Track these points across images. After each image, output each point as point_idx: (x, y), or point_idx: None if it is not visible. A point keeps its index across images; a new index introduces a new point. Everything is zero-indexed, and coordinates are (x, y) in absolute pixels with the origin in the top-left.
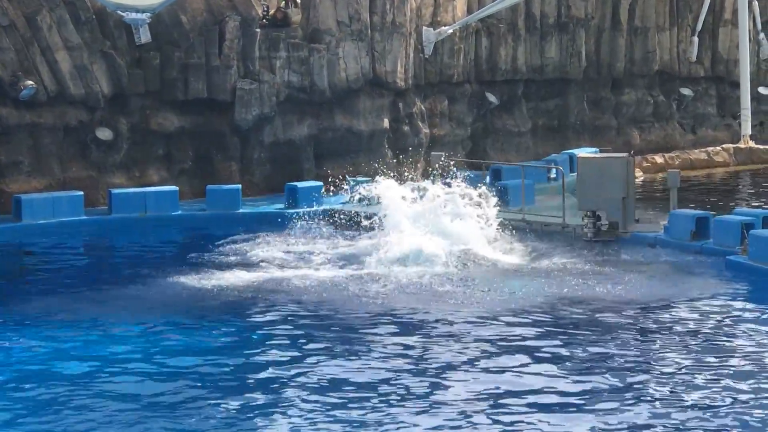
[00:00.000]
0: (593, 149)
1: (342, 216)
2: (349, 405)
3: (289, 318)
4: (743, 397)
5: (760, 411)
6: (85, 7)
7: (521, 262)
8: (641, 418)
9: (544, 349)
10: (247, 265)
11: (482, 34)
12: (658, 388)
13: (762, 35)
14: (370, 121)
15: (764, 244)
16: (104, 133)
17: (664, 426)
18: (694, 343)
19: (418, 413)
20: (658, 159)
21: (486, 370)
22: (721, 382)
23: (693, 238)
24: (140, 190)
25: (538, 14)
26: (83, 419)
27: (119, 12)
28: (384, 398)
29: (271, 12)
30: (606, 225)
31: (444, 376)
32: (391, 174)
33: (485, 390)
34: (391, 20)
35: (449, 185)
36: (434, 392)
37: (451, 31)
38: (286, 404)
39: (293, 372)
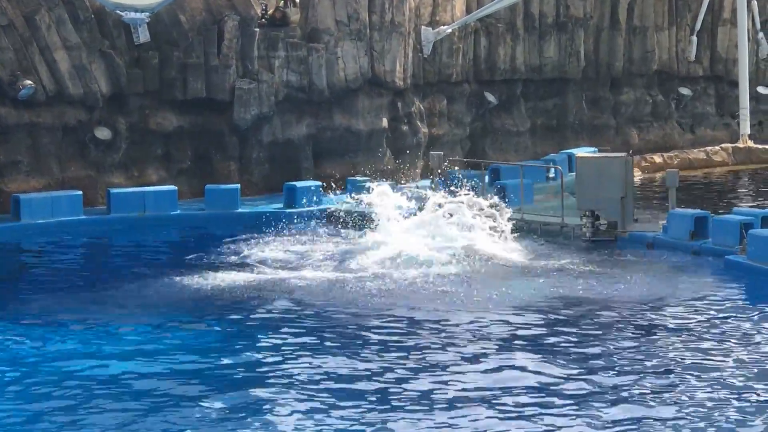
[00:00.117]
0: (592, 149)
1: (341, 215)
2: (349, 404)
3: (288, 318)
4: (743, 396)
5: (759, 410)
6: (83, 7)
7: (522, 261)
8: (640, 415)
9: (543, 348)
10: (246, 264)
11: (481, 33)
12: (656, 387)
13: (761, 34)
14: (368, 121)
15: (763, 243)
16: (103, 133)
17: (664, 425)
18: (692, 342)
19: (417, 412)
20: (657, 158)
21: (485, 368)
22: (720, 381)
23: (692, 238)
24: (139, 190)
25: (536, 14)
26: (84, 417)
27: (118, 11)
28: (384, 397)
29: (270, 11)
30: (605, 225)
31: (443, 374)
32: (387, 179)
33: (484, 389)
34: (389, 20)
35: (453, 194)
36: (433, 391)
37: (449, 30)
38: (286, 403)
39: (293, 371)
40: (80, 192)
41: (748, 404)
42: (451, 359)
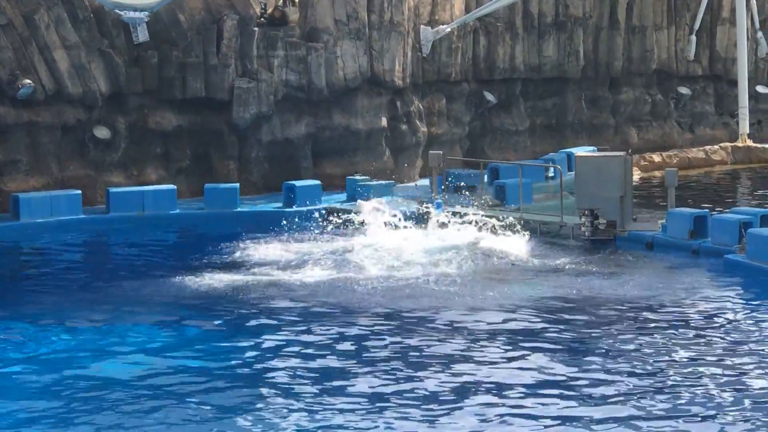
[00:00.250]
0: (591, 148)
1: (340, 215)
2: (348, 402)
3: (287, 317)
4: (742, 394)
5: (759, 408)
6: (83, 6)
7: (521, 260)
8: (639, 414)
9: (542, 347)
10: (245, 264)
11: (480, 32)
12: (655, 385)
13: (760, 33)
14: (368, 120)
15: (762, 242)
16: (102, 132)
17: (663, 422)
18: (690, 341)
19: (417, 410)
20: (656, 158)
21: (485, 367)
22: (719, 380)
23: (691, 237)
24: (138, 189)
25: (535, 13)
26: (80, 415)
27: (117, 11)
28: (384, 396)
29: (269, 11)
30: (604, 224)
31: (442, 373)
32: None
33: (483, 387)
34: (389, 19)
35: (460, 214)
36: (432, 390)
37: (449, 29)
38: (286, 401)
39: (292, 370)
40: (79, 191)
41: (748, 402)
42: (451, 358)
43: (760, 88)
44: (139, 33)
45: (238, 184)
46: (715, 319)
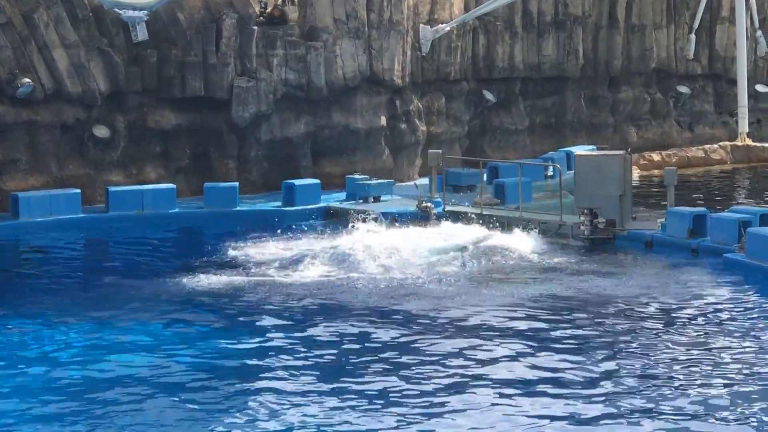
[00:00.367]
0: (590, 147)
1: (339, 214)
2: (347, 402)
3: (286, 315)
4: (742, 392)
5: (759, 407)
6: (82, 5)
7: (520, 259)
8: (636, 410)
9: (541, 346)
10: (245, 263)
11: (479, 31)
12: (653, 383)
13: (759, 32)
14: (367, 119)
15: (761, 241)
16: (101, 131)
17: (661, 420)
18: (690, 340)
19: (417, 408)
20: (655, 157)
21: (484, 365)
22: (719, 378)
23: (690, 236)
24: (137, 188)
25: (535, 12)
26: (78, 414)
27: (116, 10)
28: (382, 394)
29: (269, 10)
30: (603, 223)
31: (442, 372)
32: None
33: (482, 385)
34: (388, 18)
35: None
36: (433, 389)
37: (448, 28)
38: (286, 400)
39: (291, 369)
40: (78, 190)
41: (747, 400)
42: (450, 356)
43: (759, 87)
44: (138, 32)
45: (237, 183)
46: (714, 317)
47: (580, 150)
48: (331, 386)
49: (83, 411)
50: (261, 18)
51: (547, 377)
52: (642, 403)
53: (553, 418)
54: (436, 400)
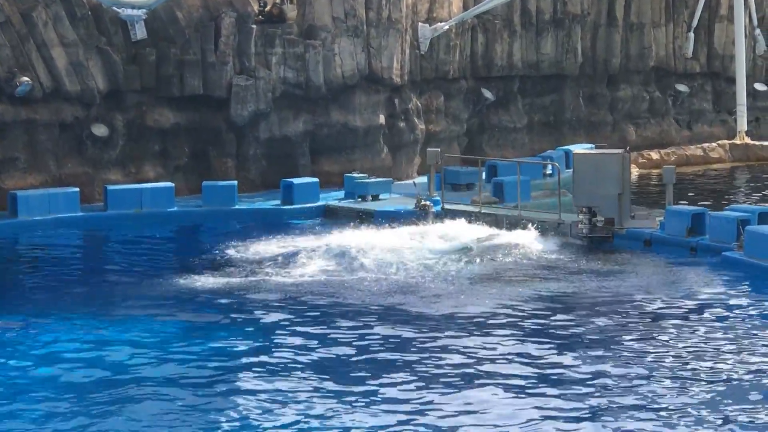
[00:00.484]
0: (589, 145)
1: (338, 212)
2: (347, 400)
3: (286, 315)
4: (741, 390)
5: (759, 403)
6: (80, 4)
7: (520, 258)
8: (635, 407)
9: (540, 345)
10: (243, 261)
11: (478, 30)
12: (652, 382)
13: (758, 31)
14: (365, 117)
15: (760, 240)
16: (100, 130)
17: (661, 419)
18: (688, 338)
19: (416, 408)
20: (654, 155)
21: (483, 364)
22: (718, 376)
23: (689, 235)
24: (136, 187)
25: (533, 10)
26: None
27: (115, 8)
28: (382, 392)
29: (267, 8)
30: (602, 221)
31: (442, 370)
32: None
33: (482, 384)
34: (386, 16)
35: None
36: (433, 387)
37: (447, 27)
38: (286, 398)
39: (291, 368)
40: (77, 189)
41: (748, 398)
42: (450, 354)
43: (758, 86)
44: (137, 30)
45: (236, 182)
46: (713, 315)
47: (578, 148)
48: (330, 385)
49: (81, 410)
50: (260, 16)
51: (546, 374)
52: (641, 400)
53: (552, 416)
54: (436, 398)
